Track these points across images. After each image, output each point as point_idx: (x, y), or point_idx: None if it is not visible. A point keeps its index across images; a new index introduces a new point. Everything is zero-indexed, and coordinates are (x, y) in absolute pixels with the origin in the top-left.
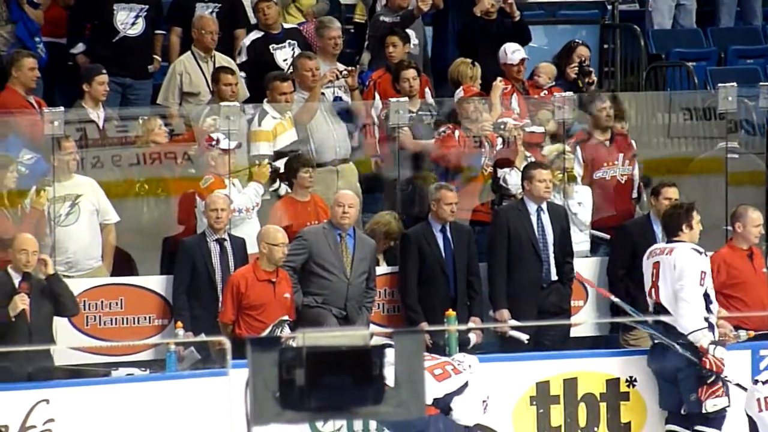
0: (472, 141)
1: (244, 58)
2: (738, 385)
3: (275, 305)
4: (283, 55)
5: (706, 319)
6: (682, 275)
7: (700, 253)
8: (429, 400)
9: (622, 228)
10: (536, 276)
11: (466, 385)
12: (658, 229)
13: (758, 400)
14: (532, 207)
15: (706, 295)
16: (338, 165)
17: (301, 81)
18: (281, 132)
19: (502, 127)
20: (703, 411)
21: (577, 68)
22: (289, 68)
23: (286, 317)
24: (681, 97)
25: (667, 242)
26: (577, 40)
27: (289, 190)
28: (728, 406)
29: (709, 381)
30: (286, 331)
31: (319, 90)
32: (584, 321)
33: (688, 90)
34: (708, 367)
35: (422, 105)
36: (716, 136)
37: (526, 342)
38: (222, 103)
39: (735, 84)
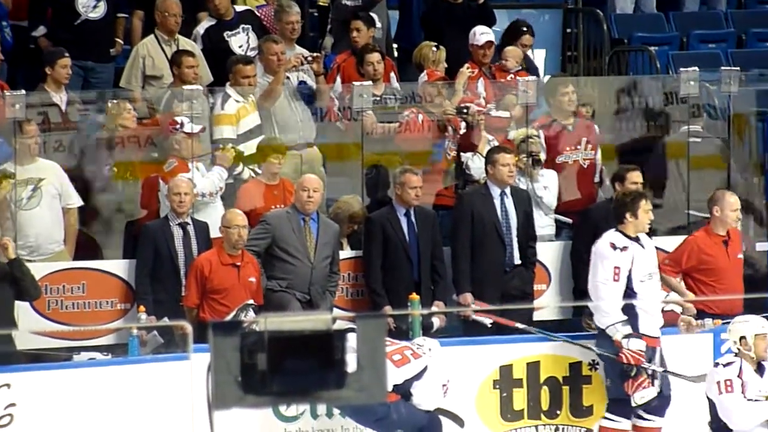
0: (436, 125)
1: (200, 45)
2: (668, 371)
3: (239, 289)
4: (238, 41)
5: (631, 311)
6: (595, 271)
7: (616, 248)
8: (389, 387)
9: (586, 212)
10: (499, 260)
11: (425, 369)
12: None
13: (718, 383)
14: (495, 191)
15: (629, 289)
16: (302, 149)
17: (266, 65)
18: (244, 115)
19: (465, 111)
20: (633, 405)
21: None
22: (248, 52)
23: (251, 301)
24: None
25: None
26: (523, 28)
27: (253, 175)
28: (658, 394)
29: (632, 374)
30: (251, 315)
31: (283, 74)
32: (547, 305)
33: (651, 75)
34: (625, 361)
35: (387, 89)
36: (678, 120)
37: (490, 326)
38: (184, 87)
39: (697, 69)
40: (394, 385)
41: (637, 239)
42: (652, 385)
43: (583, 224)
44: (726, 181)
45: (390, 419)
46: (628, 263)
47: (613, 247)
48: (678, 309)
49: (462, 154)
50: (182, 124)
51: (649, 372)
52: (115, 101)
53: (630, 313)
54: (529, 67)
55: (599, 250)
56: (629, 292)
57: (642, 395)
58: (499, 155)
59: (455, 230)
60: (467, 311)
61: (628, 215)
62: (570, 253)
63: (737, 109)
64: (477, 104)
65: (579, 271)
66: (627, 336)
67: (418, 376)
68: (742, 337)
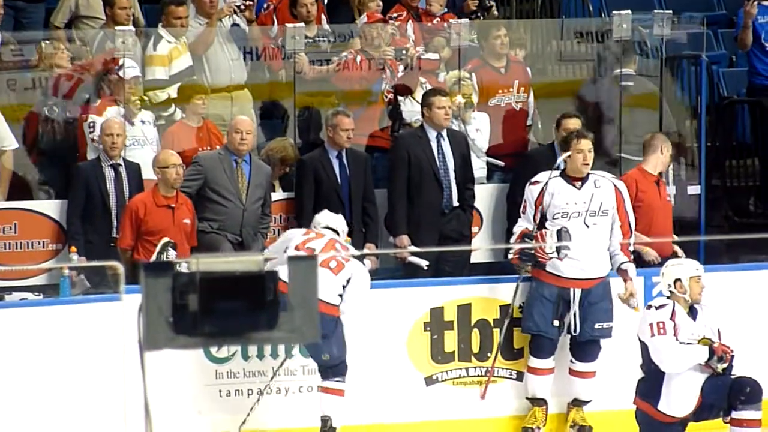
0: (375, 65)
1: None
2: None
3: (174, 231)
4: None
5: (531, 237)
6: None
7: (530, 183)
8: (335, 299)
9: (526, 156)
10: (437, 202)
11: (350, 278)
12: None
13: (651, 325)
14: (431, 134)
15: (542, 225)
16: (233, 91)
17: (199, 6)
18: (176, 57)
19: (404, 53)
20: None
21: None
22: None
23: (168, 239)
24: (575, 22)
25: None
26: None
27: (184, 116)
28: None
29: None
30: (172, 254)
31: (216, 18)
32: (479, 247)
33: (583, 17)
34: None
35: (319, 31)
36: (608, 57)
37: (426, 268)
38: (117, 27)
39: (630, 11)
40: (338, 295)
41: (582, 179)
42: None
43: (524, 168)
44: (658, 124)
45: (336, 335)
46: (534, 197)
47: (529, 182)
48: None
49: (399, 96)
50: (121, 66)
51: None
52: (48, 41)
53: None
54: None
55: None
56: (537, 227)
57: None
58: (435, 98)
59: (392, 173)
60: (403, 252)
61: (565, 157)
62: (506, 195)
63: (669, 52)
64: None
65: (513, 214)
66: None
67: (346, 284)
68: (677, 280)
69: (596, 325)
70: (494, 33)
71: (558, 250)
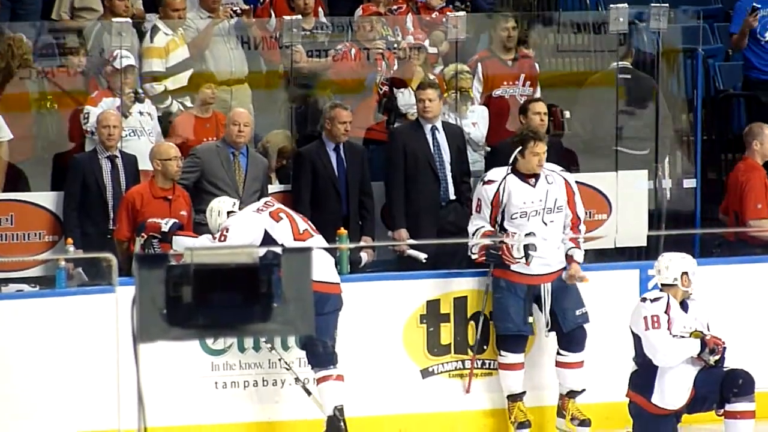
0: (371, 59)
1: None
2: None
3: None
4: None
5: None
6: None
7: (484, 182)
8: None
9: (494, 148)
10: (434, 195)
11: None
12: None
13: (645, 318)
14: (426, 126)
15: (499, 225)
16: (233, 85)
17: (202, 0)
18: (173, 49)
19: (397, 46)
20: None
21: None
22: None
23: (152, 233)
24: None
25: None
26: None
27: (182, 108)
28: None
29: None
30: (156, 246)
31: (219, 12)
32: (479, 242)
33: (580, 11)
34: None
35: (316, 23)
36: (605, 50)
37: (424, 261)
38: (114, 19)
39: (626, 5)
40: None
41: (534, 176)
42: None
43: (493, 160)
44: (655, 118)
45: (337, 314)
46: (490, 197)
47: (482, 182)
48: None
49: (395, 89)
50: (116, 57)
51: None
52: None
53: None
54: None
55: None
56: (501, 229)
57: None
58: (419, 90)
59: (389, 166)
60: (401, 245)
61: (518, 154)
62: None
63: (666, 45)
64: (413, 40)
65: None
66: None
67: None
68: (684, 273)
69: (577, 312)
70: (503, 25)
71: (526, 257)
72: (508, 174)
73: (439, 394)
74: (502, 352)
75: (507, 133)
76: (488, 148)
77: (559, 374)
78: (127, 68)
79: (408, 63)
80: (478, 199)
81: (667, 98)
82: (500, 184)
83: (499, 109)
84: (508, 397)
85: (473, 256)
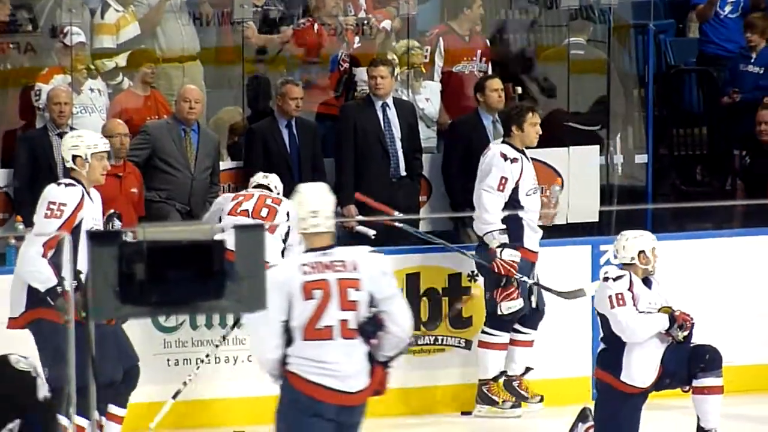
0: (334, 34)
1: None
2: (540, 285)
3: (122, 200)
4: None
5: (517, 222)
6: (482, 177)
7: (507, 159)
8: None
9: (453, 125)
10: (384, 172)
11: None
12: (488, 124)
13: (610, 297)
14: (377, 103)
15: (515, 201)
16: (185, 62)
17: None
18: (124, 25)
19: (366, 23)
20: (499, 313)
21: None
22: None
23: (113, 210)
24: None
25: (499, 141)
26: None
27: (132, 85)
28: (522, 307)
29: (503, 284)
30: (117, 225)
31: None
32: (427, 216)
33: None
34: (497, 270)
35: None
36: (557, 24)
37: (372, 237)
38: None
39: None
40: None
41: (523, 152)
42: (522, 297)
43: (452, 137)
44: (606, 92)
45: None
46: (516, 175)
47: (504, 157)
48: None
49: (353, 67)
50: (66, 34)
51: (519, 283)
52: None
53: (517, 224)
54: None
55: (489, 159)
56: (515, 205)
57: (509, 306)
58: (369, 68)
59: (339, 143)
60: (350, 222)
61: (514, 128)
62: (441, 167)
63: (617, 21)
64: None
65: (451, 185)
66: (502, 245)
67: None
68: (641, 252)
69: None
70: (469, 2)
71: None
72: (518, 150)
73: (393, 371)
74: (485, 328)
75: (465, 109)
76: (448, 123)
77: (519, 353)
78: (77, 45)
79: (370, 40)
80: (504, 178)
81: (619, 74)
82: (520, 162)
83: (459, 84)
84: (503, 375)
85: (493, 242)
